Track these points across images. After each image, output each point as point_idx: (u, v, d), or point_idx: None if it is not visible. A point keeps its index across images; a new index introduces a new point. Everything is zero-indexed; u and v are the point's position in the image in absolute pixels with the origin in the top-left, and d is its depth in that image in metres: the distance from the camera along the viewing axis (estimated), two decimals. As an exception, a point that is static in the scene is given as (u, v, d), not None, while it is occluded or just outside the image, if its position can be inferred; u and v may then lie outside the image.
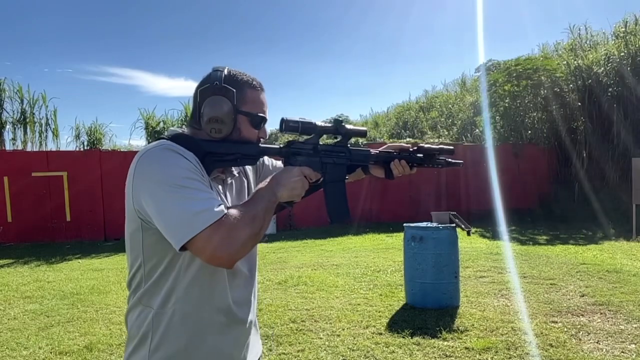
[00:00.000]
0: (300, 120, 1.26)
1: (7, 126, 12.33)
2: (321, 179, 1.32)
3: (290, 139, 1.35)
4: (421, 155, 1.48)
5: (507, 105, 13.52)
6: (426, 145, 1.49)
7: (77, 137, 13.25)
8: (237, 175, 1.34)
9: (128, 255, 1.22)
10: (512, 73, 13.05)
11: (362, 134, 1.38)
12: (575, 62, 13.04)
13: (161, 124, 13.29)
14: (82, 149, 12.61)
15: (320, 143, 1.32)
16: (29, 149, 12.32)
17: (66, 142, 13.19)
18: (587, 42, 14.34)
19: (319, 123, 1.29)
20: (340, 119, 1.34)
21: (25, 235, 10.12)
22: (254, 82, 1.25)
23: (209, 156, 1.17)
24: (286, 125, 1.24)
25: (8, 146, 12.23)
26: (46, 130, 12.86)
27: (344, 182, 1.37)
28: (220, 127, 1.18)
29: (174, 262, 1.16)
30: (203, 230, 1.03)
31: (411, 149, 1.48)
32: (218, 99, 1.18)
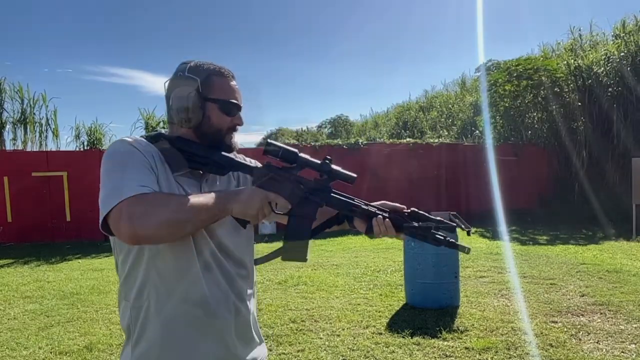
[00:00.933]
0: (283, 146, 1.22)
1: (8, 126, 12.32)
2: (290, 210, 1.23)
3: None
4: (415, 223, 1.29)
5: (507, 105, 13.52)
6: (422, 212, 1.31)
7: (77, 137, 13.20)
8: None
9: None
10: (513, 73, 13.05)
11: (350, 179, 1.26)
12: (575, 62, 13.04)
13: (161, 124, 13.27)
14: (82, 149, 12.59)
15: (301, 176, 1.24)
16: (29, 149, 12.31)
17: (66, 142, 13.14)
18: (587, 42, 14.34)
19: (302, 155, 1.23)
20: (327, 160, 1.24)
21: (25, 235, 10.11)
22: (222, 70, 1.26)
23: (179, 152, 1.19)
24: (267, 148, 1.22)
25: (8, 146, 12.23)
26: (46, 130, 12.85)
27: (311, 221, 1.25)
28: (189, 116, 1.20)
29: (141, 254, 1.17)
30: (116, 205, 1.04)
31: (405, 212, 1.31)
32: (183, 89, 1.20)
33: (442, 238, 1.29)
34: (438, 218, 1.29)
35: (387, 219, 1.27)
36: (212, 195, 1.14)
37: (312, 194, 1.24)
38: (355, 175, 1.27)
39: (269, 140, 1.24)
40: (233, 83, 1.27)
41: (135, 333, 1.19)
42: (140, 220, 1.03)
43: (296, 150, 1.23)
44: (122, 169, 1.10)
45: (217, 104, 1.23)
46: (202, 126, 1.22)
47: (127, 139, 1.16)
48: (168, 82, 1.25)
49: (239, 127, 1.29)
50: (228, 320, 1.27)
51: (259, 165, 1.27)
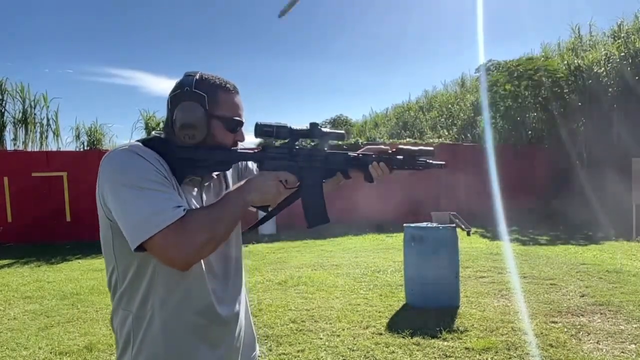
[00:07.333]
0: (275, 124, 1.24)
1: (8, 126, 12.32)
2: (298, 184, 1.29)
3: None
4: (401, 157, 1.42)
5: (507, 105, 13.52)
6: (405, 147, 1.43)
7: (77, 137, 13.22)
8: (215, 177, 1.32)
9: (104, 256, 1.22)
10: (513, 73, 13.05)
11: (340, 136, 1.34)
12: (575, 62, 13.04)
13: (161, 125, 13.28)
14: (82, 150, 12.59)
15: (297, 146, 1.30)
16: (29, 149, 12.31)
17: (66, 143, 13.11)
18: (587, 42, 14.33)
19: (293, 126, 1.27)
20: (318, 123, 1.30)
21: (25, 235, 10.11)
22: (227, 85, 1.23)
23: (181, 161, 1.17)
24: (260, 129, 1.22)
25: (9, 146, 12.22)
26: (47, 131, 12.85)
27: (321, 186, 1.34)
28: (194, 132, 1.17)
29: (146, 263, 1.15)
30: (158, 232, 1.03)
31: (390, 151, 1.43)
32: (189, 105, 1.16)
33: (424, 162, 1.43)
34: (419, 148, 1.42)
35: (381, 162, 1.36)
36: (230, 196, 1.16)
37: (314, 161, 1.31)
38: (343, 131, 1.37)
39: (258, 122, 1.22)
40: (237, 98, 1.25)
41: (136, 343, 1.17)
42: (187, 249, 1.06)
43: (287, 124, 1.27)
44: (145, 185, 1.06)
45: (222, 122, 1.20)
46: (205, 142, 1.20)
47: (131, 149, 1.11)
48: (172, 94, 1.19)
49: (240, 143, 1.28)
50: (229, 325, 1.27)
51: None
